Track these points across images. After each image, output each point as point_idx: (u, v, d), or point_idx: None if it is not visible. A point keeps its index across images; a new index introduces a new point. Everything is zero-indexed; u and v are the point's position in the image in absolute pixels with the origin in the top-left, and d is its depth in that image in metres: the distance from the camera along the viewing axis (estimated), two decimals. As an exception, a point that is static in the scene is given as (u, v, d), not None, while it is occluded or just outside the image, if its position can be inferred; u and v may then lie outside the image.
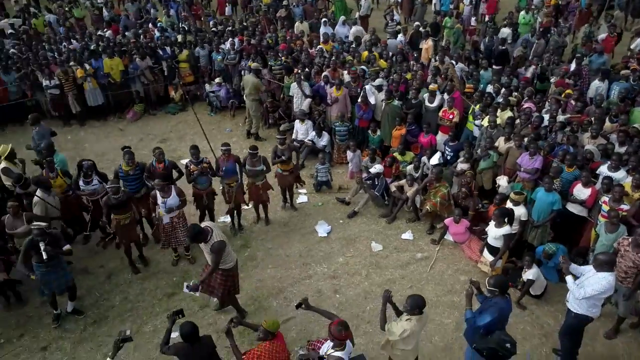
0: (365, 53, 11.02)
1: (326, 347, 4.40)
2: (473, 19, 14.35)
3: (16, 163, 7.40)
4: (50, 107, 10.95)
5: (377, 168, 7.77)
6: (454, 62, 10.27)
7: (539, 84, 9.61)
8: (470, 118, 8.55)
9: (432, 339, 5.69)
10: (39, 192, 6.30)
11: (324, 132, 9.44)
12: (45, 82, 10.31)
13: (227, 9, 17.38)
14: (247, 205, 7.62)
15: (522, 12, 13.02)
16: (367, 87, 9.13)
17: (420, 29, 12.48)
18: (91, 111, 11.33)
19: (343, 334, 4.11)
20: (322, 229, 7.59)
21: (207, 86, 11.70)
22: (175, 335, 4.59)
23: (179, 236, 6.57)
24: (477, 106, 8.35)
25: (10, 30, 13.75)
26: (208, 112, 11.87)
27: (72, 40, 12.62)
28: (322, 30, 12.74)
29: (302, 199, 8.42)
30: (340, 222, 7.83)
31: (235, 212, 7.48)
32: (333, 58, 10.35)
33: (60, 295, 5.99)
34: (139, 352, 5.65)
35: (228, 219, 7.69)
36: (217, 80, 11.62)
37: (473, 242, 6.94)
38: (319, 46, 11.22)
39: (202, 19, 16.13)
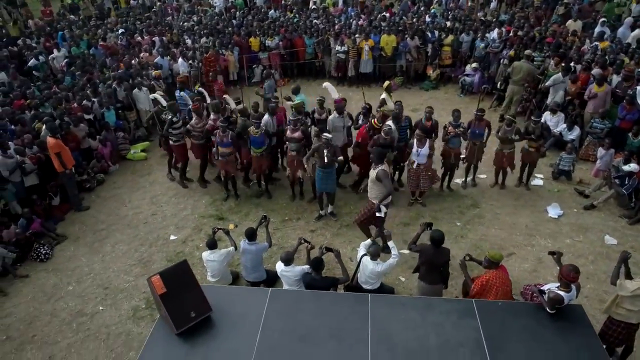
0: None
1: (549, 287, 4.96)
2: None
3: None
4: (334, 69, 13.54)
5: (631, 167, 7.53)
6: None
7: None
8: None
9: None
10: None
11: (576, 126, 9.40)
12: (337, 47, 12.86)
13: (493, 4, 17.82)
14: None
15: None
16: (638, 87, 8.71)
17: None
18: (361, 77, 13.57)
19: (572, 275, 4.61)
20: (553, 211, 7.83)
21: (467, 67, 12.59)
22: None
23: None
24: None
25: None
26: (458, 93, 12.83)
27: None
28: (599, 29, 12.19)
29: (537, 182, 8.72)
30: (574, 210, 7.91)
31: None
32: (605, 56, 10.05)
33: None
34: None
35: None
36: (474, 65, 12.45)
37: None
38: (594, 43, 10.89)
39: (465, 9, 17.00)
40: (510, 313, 4.78)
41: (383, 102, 8.43)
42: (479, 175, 8.80)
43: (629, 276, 4.80)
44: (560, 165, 8.68)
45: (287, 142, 8.08)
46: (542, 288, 5.06)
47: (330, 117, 8.19)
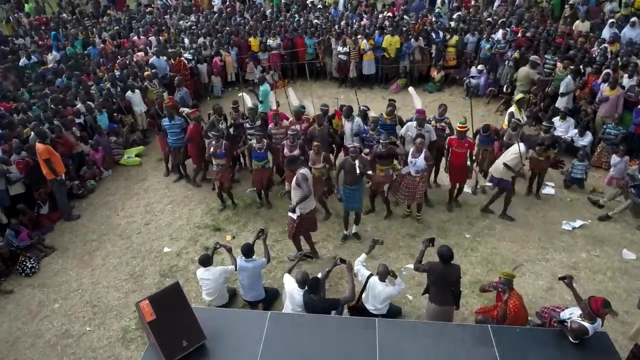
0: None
1: (570, 313, 4.59)
2: None
3: None
4: (335, 69, 13.14)
5: (649, 176, 7.18)
6: None
7: None
8: None
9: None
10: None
11: (587, 132, 9.03)
12: (339, 48, 12.47)
13: (496, 3, 17.43)
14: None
15: None
16: (655, 92, 8.36)
17: None
18: (363, 78, 13.16)
19: (603, 311, 4.28)
20: (567, 224, 7.46)
21: (473, 69, 12.20)
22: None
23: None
24: None
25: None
26: (463, 96, 12.45)
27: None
28: (607, 31, 11.81)
29: (548, 190, 8.34)
30: (588, 221, 7.54)
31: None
32: (617, 59, 9.68)
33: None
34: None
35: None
36: (479, 67, 12.07)
37: None
38: (603, 45, 10.52)
39: (471, 9, 16.62)
40: (530, 340, 4.43)
41: (511, 116, 8.03)
42: (487, 183, 8.42)
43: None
44: (572, 173, 8.31)
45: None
46: (562, 314, 4.71)
47: (405, 127, 7.75)
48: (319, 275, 6.34)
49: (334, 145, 8.61)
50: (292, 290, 5.34)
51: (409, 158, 7.09)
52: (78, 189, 8.69)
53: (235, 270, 5.84)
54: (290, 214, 6.37)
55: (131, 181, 9.28)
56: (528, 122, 8.34)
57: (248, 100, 9.25)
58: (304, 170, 6.15)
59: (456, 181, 7.72)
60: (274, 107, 9.21)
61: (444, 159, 7.84)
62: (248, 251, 5.75)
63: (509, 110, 8.33)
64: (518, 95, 8.61)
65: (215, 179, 7.96)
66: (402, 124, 8.26)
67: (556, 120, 9.36)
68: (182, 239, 7.53)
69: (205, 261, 5.76)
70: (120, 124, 10.24)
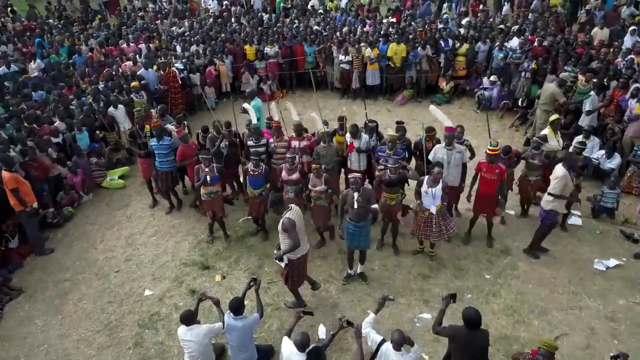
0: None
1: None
2: None
3: None
4: (337, 80, 12.30)
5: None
6: None
7: None
8: None
9: None
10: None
11: (616, 153, 8.20)
12: (341, 57, 11.63)
13: (505, 7, 16.61)
14: None
15: None
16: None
17: None
18: (366, 88, 12.30)
19: None
20: (600, 263, 6.63)
21: (485, 80, 11.36)
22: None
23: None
24: None
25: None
26: (474, 108, 11.62)
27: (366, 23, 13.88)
28: (629, 39, 10.99)
29: (574, 220, 7.50)
30: (622, 259, 6.71)
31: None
32: (645, 71, 8.87)
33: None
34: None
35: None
36: (492, 78, 11.23)
37: None
38: (629, 56, 9.68)
39: (479, 14, 15.78)
40: None
41: (545, 139, 7.23)
42: (507, 210, 7.59)
43: None
44: (601, 201, 7.48)
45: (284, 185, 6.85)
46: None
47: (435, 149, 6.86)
48: (322, 335, 5.56)
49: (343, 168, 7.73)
50: (290, 355, 4.52)
51: (424, 188, 6.24)
52: (53, 218, 7.85)
53: (224, 327, 5.01)
54: (279, 261, 5.56)
55: (113, 207, 8.44)
56: (563, 145, 7.43)
57: (253, 116, 8.34)
58: (290, 214, 5.31)
59: (482, 212, 6.85)
60: (276, 118, 8.34)
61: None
62: (237, 308, 4.91)
63: (541, 133, 7.47)
64: (553, 116, 7.69)
65: (206, 209, 7.14)
66: (410, 149, 7.45)
67: (579, 139, 8.52)
68: (165, 279, 6.68)
69: (188, 319, 4.91)
70: (103, 141, 9.41)
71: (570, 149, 7.11)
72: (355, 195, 5.74)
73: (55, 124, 8.71)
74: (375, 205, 5.90)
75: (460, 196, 7.26)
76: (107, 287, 6.61)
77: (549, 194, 6.29)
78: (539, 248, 6.78)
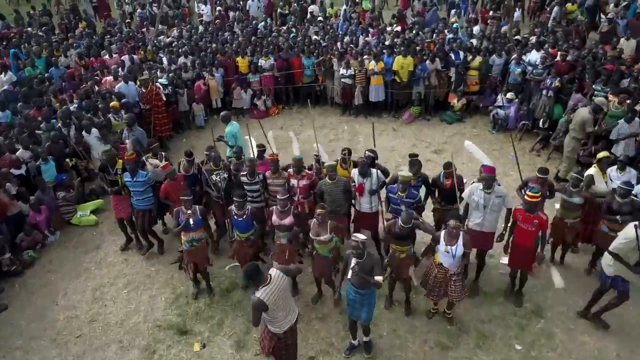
0: None
1: None
2: None
3: None
4: (338, 95, 11.25)
5: None
6: None
7: None
8: None
9: None
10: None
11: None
12: (342, 70, 10.58)
13: (517, 14, 15.59)
14: None
15: None
16: None
17: None
18: (370, 105, 11.26)
19: None
20: (652, 328, 5.59)
21: (500, 97, 10.29)
22: None
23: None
24: None
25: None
26: (489, 128, 10.56)
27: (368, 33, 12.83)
28: (661, 52, 9.97)
29: (615, 271, 6.44)
30: (678, 324, 5.66)
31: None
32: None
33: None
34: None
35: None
36: (509, 95, 10.17)
37: None
38: (665, 73, 8.65)
39: (489, 21, 14.74)
40: None
41: (591, 181, 6.22)
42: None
43: None
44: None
45: (274, 229, 5.78)
46: None
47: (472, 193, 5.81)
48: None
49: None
50: None
51: (442, 247, 5.19)
52: (10, 265, 6.78)
53: None
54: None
55: (82, 249, 7.37)
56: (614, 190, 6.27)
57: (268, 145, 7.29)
58: (265, 293, 4.23)
59: (519, 266, 5.80)
60: (274, 150, 7.26)
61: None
62: None
63: (587, 173, 6.41)
64: (602, 153, 6.63)
65: (187, 261, 6.08)
66: (427, 184, 6.39)
67: (612, 170, 7.46)
68: (134, 348, 5.61)
69: None
70: (74, 170, 8.34)
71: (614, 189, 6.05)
72: (353, 261, 4.71)
73: (18, 153, 7.67)
74: (379, 278, 4.78)
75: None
76: (65, 358, 5.54)
77: (609, 252, 5.22)
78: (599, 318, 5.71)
